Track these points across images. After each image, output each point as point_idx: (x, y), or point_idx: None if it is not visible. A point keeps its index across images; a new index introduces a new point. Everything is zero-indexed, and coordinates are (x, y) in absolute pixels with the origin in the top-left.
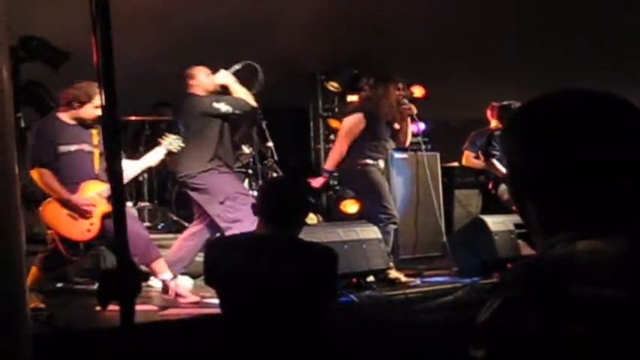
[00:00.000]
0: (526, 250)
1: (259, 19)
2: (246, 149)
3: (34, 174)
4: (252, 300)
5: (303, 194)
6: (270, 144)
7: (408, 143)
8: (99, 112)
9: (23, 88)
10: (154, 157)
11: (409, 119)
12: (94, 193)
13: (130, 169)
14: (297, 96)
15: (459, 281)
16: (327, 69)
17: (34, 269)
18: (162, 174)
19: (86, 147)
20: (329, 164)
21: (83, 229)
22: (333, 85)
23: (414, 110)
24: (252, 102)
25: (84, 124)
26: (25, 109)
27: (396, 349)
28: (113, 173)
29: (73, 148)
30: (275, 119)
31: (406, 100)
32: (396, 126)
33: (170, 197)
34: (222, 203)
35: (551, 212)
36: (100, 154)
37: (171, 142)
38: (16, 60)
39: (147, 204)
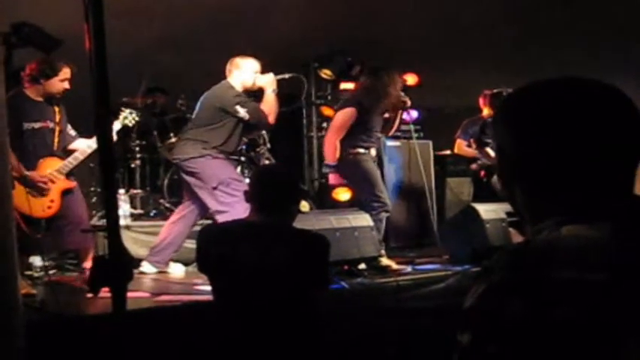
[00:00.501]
0: (517, 238)
1: (252, 5)
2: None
3: None
4: (243, 287)
5: (296, 182)
6: (263, 131)
7: (392, 133)
8: (66, 85)
9: (14, 74)
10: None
11: (400, 110)
12: (53, 169)
13: (85, 145)
14: (289, 83)
15: (451, 269)
16: (320, 57)
17: None
18: (153, 161)
19: (50, 124)
20: (329, 158)
21: (44, 206)
22: (326, 73)
23: (409, 102)
24: (272, 119)
25: (50, 99)
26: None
27: (388, 336)
28: (105, 159)
29: (37, 125)
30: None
31: (402, 93)
32: (386, 115)
33: (162, 184)
34: (215, 188)
35: (538, 198)
36: (60, 132)
37: (126, 116)
38: (7, 46)
39: (139, 191)
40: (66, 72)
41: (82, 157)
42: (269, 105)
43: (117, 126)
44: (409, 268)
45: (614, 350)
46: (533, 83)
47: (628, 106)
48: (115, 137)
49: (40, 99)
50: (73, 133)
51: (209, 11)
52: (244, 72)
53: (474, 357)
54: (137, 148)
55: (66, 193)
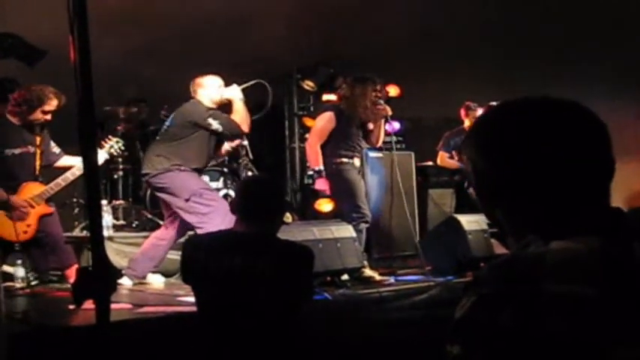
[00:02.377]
0: (499, 249)
1: (235, 17)
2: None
3: None
4: (226, 298)
5: (281, 193)
6: (245, 142)
7: (379, 144)
8: (48, 117)
9: None
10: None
11: (383, 120)
12: (34, 194)
13: (69, 173)
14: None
15: (433, 280)
16: (303, 68)
17: None
18: (136, 172)
19: (31, 149)
20: (313, 163)
21: (20, 231)
22: (308, 84)
23: (389, 112)
24: (246, 127)
25: (30, 126)
26: (1, 106)
27: (370, 347)
28: (89, 173)
29: (17, 151)
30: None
31: (382, 102)
32: (370, 126)
33: (144, 195)
34: (187, 200)
35: (518, 216)
36: (41, 153)
37: (112, 145)
38: None
39: (121, 202)
40: (52, 104)
41: (63, 184)
42: (240, 114)
43: (103, 155)
44: (392, 279)
45: None
46: (504, 104)
47: (597, 123)
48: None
49: (21, 124)
50: (57, 150)
51: (192, 22)
52: (208, 88)
53: None
54: (119, 159)
55: (44, 217)
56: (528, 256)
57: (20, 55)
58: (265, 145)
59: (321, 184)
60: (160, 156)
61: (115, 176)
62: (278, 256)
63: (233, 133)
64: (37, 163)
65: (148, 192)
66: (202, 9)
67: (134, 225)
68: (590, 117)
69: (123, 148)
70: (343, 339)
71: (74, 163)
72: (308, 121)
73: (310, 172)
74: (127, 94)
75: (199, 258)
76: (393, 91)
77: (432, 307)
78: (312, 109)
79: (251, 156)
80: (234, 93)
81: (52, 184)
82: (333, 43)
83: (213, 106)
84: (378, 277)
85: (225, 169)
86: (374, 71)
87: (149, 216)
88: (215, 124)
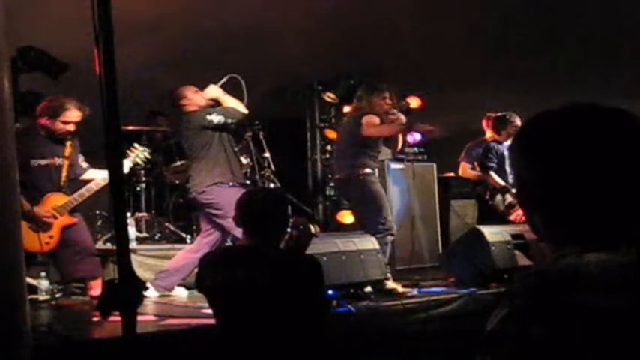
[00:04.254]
0: (523, 260)
1: (257, 29)
2: (243, 160)
3: None
4: (235, 310)
5: (280, 204)
6: (267, 154)
7: (398, 149)
8: (69, 127)
9: (21, 98)
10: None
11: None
12: (57, 205)
13: (94, 184)
14: (293, 106)
15: (456, 291)
16: (324, 79)
17: None
18: (159, 184)
19: (57, 160)
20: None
21: (42, 242)
22: (329, 96)
23: (403, 120)
24: (243, 109)
25: (56, 137)
26: (23, 119)
27: (394, 359)
28: (115, 185)
29: (44, 162)
30: (272, 129)
31: (395, 110)
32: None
33: (167, 208)
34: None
35: (558, 225)
36: (70, 166)
37: (137, 154)
38: (13, 70)
39: (144, 214)
40: (71, 115)
41: (87, 195)
42: (230, 102)
43: (128, 164)
44: (415, 291)
45: None
46: (548, 111)
47: None
48: (125, 174)
49: (48, 135)
50: (84, 165)
51: (214, 34)
52: (189, 98)
53: None
54: (142, 172)
55: (66, 228)
56: (562, 268)
57: (43, 68)
58: (287, 157)
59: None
60: (201, 173)
61: (138, 189)
62: (280, 267)
63: (236, 117)
64: (64, 175)
65: (171, 204)
66: (223, 21)
67: (157, 237)
68: (636, 125)
69: (149, 156)
70: (367, 351)
71: (98, 176)
72: (329, 133)
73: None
74: (147, 107)
75: (208, 273)
76: (414, 102)
77: (456, 319)
78: (333, 120)
79: (273, 168)
80: (214, 92)
81: (75, 195)
82: (354, 55)
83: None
84: (401, 289)
85: (248, 182)
86: (395, 82)
87: (172, 228)
88: (216, 117)
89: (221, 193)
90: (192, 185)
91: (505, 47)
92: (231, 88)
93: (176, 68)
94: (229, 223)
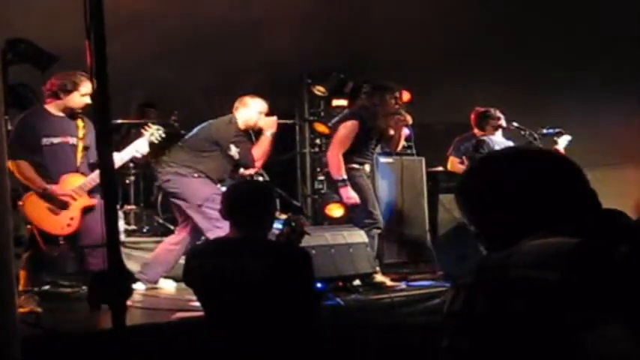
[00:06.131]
0: None
1: (246, 21)
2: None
3: (12, 166)
4: (223, 303)
5: (265, 196)
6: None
7: (398, 149)
8: (87, 99)
9: (10, 90)
10: (137, 148)
11: (403, 129)
12: (75, 186)
13: (118, 159)
14: (283, 100)
15: (444, 285)
16: (314, 73)
17: (22, 272)
18: (147, 177)
19: (70, 139)
20: (336, 172)
21: (63, 223)
22: (319, 90)
23: (410, 121)
24: (260, 164)
25: (71, 114)
26: (12, 110)
27: (382, 352)
28: (105, 174)
29: (56, 140)
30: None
31: (402, 111)
32: (391, 132)
33: (155, 200)
34: (200, 206)
35: (513, 228)
36: (84, 148)
37: (152, 133)
38: (3, 62)
39: (133, 207)
40: (87, 86)
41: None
42: (263, 148)
43: (144, 142)
44: (403, 285)
45: (571, 345)
46: (488, 158)
47: (562, 158)
48: (145, 153)
49: (62, 114)
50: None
51: (202, 28)
52: (251, 110)
53: (451, 357)
54: (131, 164)
55: (87, 211)
56: (500, 254)
57: (33, 60)
58: (276, 151)
59: (348, 193)
60: (175, 163)
61: (127, 181)
62: (267, 259)
63: (246, 164)
64: (79, 155)
65: (159, 197)
66: (213, 14)
67: (145, 230)
68: (558, 156)
69: (164, 135)
70: (355, 344)
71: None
72: (319, 127)
73: (335, 185)
74: (137, 100)
75: (194, 265)
76: (404, 96)
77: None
78: (322, 114)
79: None
80: (270, 124)
81: (93, 175)
82: (343, 49)
83: (244, 128)
84: (389, 283)
85: (236, 176)
86: (383, 76)
87: (160, 221)
88: (234, 151)
89: (185, 184)
90: (161, 174)
91: (496, 41)
92: None
93: (164, 62)
94: (194, 214)
